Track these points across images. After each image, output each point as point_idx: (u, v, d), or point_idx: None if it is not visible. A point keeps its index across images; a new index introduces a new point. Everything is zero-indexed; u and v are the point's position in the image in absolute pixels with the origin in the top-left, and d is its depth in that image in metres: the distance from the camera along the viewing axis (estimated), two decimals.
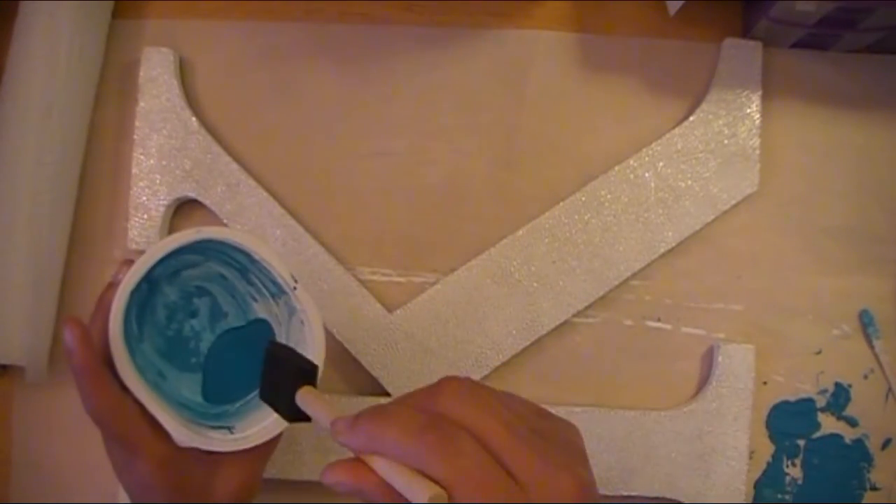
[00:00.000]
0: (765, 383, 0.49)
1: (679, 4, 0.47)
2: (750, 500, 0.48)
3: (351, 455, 0.29)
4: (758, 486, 0.49)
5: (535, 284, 0.48)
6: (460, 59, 0.50)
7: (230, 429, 0.37)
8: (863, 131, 0.50)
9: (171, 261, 0.37)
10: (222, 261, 0.40)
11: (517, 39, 0.51)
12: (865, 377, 0.49)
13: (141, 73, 0.49)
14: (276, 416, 0.37)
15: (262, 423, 0.37)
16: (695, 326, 0.49)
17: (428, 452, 0.26)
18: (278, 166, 0.50)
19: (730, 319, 0.49)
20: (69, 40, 0.47)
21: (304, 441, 0.47)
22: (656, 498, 0.47)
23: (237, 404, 0.40)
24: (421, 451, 0.26)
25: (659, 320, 0.49)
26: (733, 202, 0.48)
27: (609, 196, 0.48)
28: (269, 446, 0.38)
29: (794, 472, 0.49)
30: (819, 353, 0.49)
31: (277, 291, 0.39)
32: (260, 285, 0.40)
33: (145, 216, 0.48)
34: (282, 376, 0.35)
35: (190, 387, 0.40)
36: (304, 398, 0.33)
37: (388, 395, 0.48)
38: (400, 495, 0.26)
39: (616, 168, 0.48)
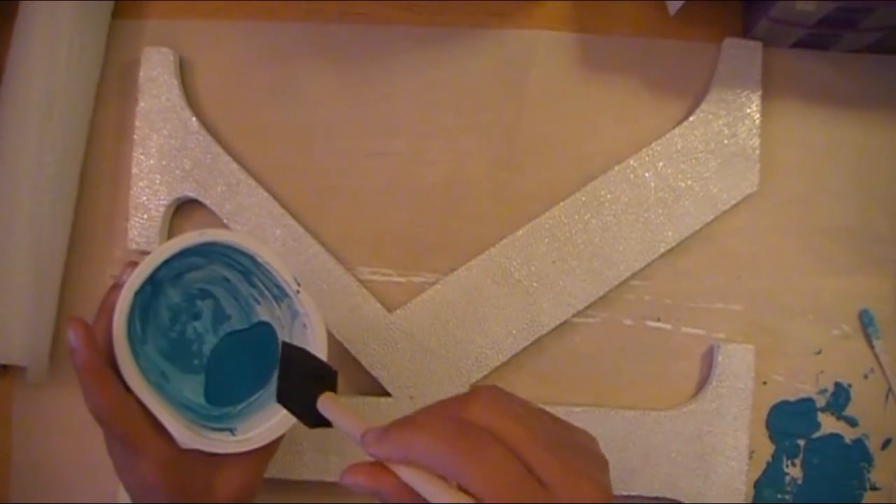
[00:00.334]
0: (765, 383, 0.49)
1: (679, 4, 0.47)
2: (750, 500, 0.48)
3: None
4: (758, 486, 0.49)
5: (535, 284, 0.48)
6: (460, 59, 0.50)
7: (232, 430, 0.38)
8: (863, 131, 0.50)
9: (174, 263, 0.38)
10: (225, 263, 0.40)
11: (517, 39, 0.51)
12: (865, 377, 0.49)
13: (141, 73, 0.49)
14: (278, 418, 0.37)
15: (265, 425, 0.37)
16: (695, 326, 0.49)
17: (460, 460, 0.27)
18: (278, 166, 0.50)
19: (730, 319, 0.49)
20: (69, 40, 0.47)
21: (304, 441, 0.47)
22: (656, 498, 0.47)
23: (240, 406, 0.40)
24: (453, 458, 0.27)
25: (659, 320, 0.49)
26: (733, 202, 0.48)
27: (609, 196, 0.48)
28: (270, 447, 0.38)
29: (793, 471, 0.49)
30: (819, 353, 0.49)
31: (280, 294, 0.39)
32: (263, 288, 0.40)
33: (145, 216, 0.48)
34: (300, 380, 0.34)
35: (193, 388, 0.40)
36: (327, 405, 0.32)
37: (388, 395, 0.48)
38: (418, 496, 0.27)
39: (616, 168, 0.48)
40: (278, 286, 0.39)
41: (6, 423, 0.50)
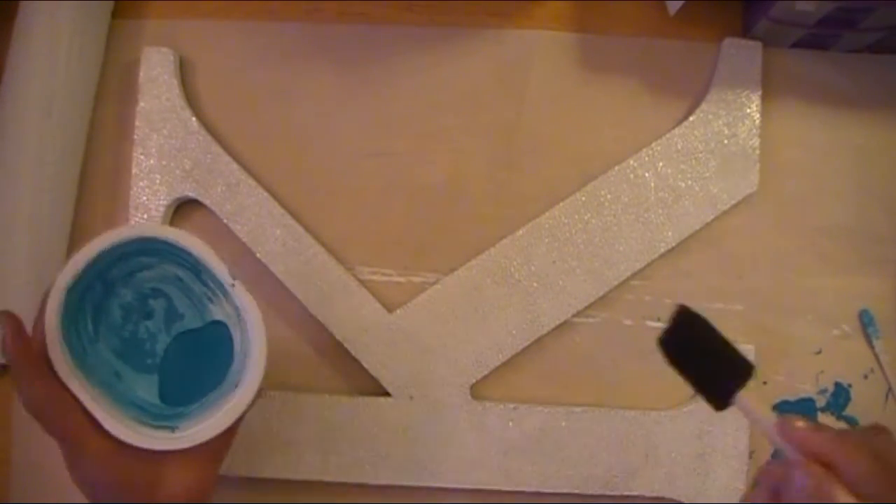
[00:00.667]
0: (765, 383, 0.49)
1: (679, 4, 0.47)
2: None
3: None
4: None
5: (535, 284, 0.48)
6: (460, 59, 0.50)
7: (172, 428, 0.37)
8: (863, 131, 0.50)
9: (126, 262, 0.38)
10: (176, 262, 0.40)
11: (517, 39, 0.51)
12: (865, 377, 0.49)
13: (141, 73, 0.49)
14: (216, 416, 0.36)
15: (204, 424, 0.37)
16: None
17: None
18: (278, 166, 0.50)
19: (730, 319, 0.49)
20: (69, 40, 0.47)
21: (304, 441, 0.47)
22: (656, 498, 0.47)
23: (193, 406, 0.40)
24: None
25: (659, 320, 0.49)
26: (733, 202, 0.48)
27: (609, 196, 0.48)
28: (218, 447, 0.38)
29: None
30: (819, 353, 0.49)
31: (225, 291, 0.39)
32: (213, 286, 0.40)
33: (145, 216, 0.48)
34: (721, 366, 0.34)
35: (146, 388, 0.40)
36: (746, 401, 0.33)
37: (388, 395, 0.48)
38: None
39: (616, 168, 0.48)
40: (222, 282, 0.38)
41: (6, 423, 0.49)
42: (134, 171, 0.49)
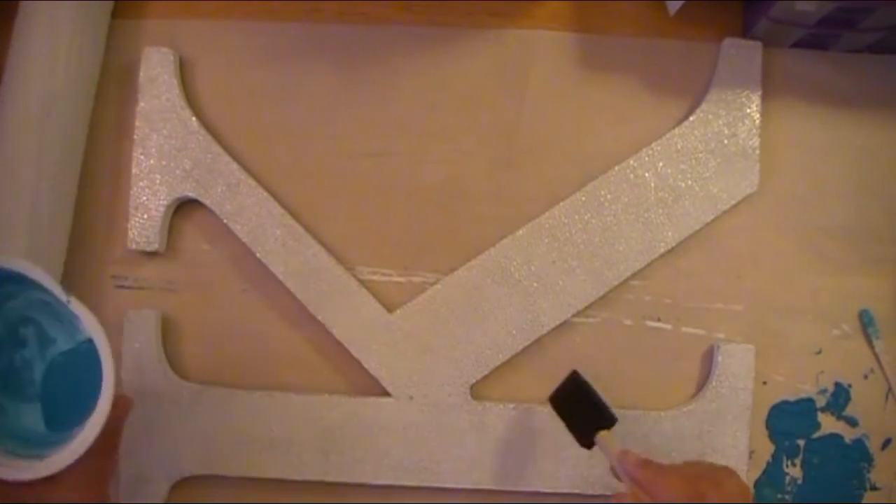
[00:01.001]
0: (765, 383, 0.49)
1: (679, 4, 0.47)
2: None
3: None
4: (758, 485, 0.49)
5: (535, 284, 0.48)
6: (460, 59, 0.50)
7: (41, 457, 0.36)
8: (863, 131, 0.50)
9: None
10: (37, 287, 0.38)
11: (517, 39, 0.51)
12: (865, 377, 0.49)
13: (141, 73, 0.49)
14: (73, 443, 0.36)
15: (65, 450, 0.36)
16: (695, 326, 0.49)
17: None
18: (278, 166, 0.50)
19: (730, 319, 0.49)
20: (69, 40, 0.47)
21: (304, 441, 0.47)
22: None
23: (76, 429, 0.38)
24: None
25: (659, 320, 0.49)
26: (733, 202, 0.48)
27: (609, 196, 0.48)
28: (102, 467, 0.38)
29: (793, 471, 0.49)
30: (819, 353, 0.49)
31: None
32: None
33: (145, 216, 0.48)
34: (586, 412, 0.42)
35: (31, 417, 0.39)
36: (602, 440, 0.41)
37: (388, 394, 0.48)
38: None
39: (616, 168, 0.48)
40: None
41: None
42: (134, 171, 0.49)
